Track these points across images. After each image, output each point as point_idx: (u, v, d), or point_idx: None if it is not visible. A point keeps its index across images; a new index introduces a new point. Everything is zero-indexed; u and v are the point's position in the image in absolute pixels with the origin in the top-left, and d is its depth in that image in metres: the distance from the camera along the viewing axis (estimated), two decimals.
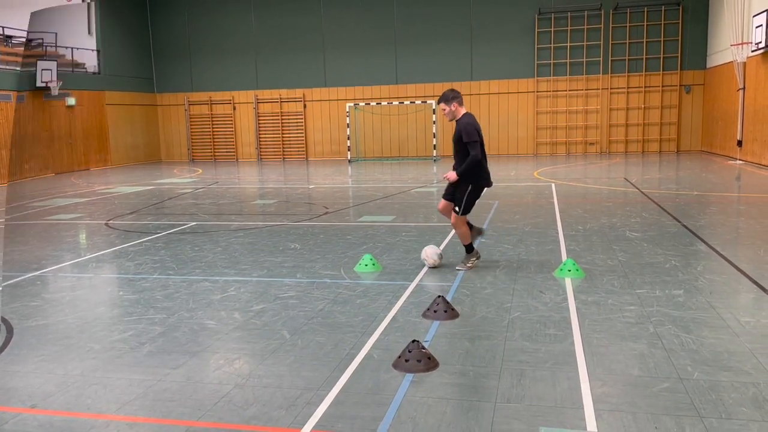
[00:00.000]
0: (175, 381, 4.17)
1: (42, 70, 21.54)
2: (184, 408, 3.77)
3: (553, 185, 14.77)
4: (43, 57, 22.86)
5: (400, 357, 4.28)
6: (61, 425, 3.61)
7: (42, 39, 24.66)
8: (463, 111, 6.64)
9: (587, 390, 3.85)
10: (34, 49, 24.19)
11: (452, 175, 6.60)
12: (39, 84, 21.48)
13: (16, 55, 22.53)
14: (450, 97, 6.53)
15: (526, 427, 3.44)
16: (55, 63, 22.29)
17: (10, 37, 24.50)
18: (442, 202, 6.99)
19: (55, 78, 21.95)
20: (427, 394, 3.87)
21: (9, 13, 25.22)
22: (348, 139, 25.84)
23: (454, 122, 6.74)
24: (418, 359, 4.20)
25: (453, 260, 7.25)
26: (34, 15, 24.95)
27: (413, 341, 4.31)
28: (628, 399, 3.73)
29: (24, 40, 23.98)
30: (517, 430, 3.42)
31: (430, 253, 6.94)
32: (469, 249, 6.93)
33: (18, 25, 24.67)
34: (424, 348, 4.30)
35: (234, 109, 28.43)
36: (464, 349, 4.57)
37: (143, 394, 3.97)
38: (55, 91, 22.03)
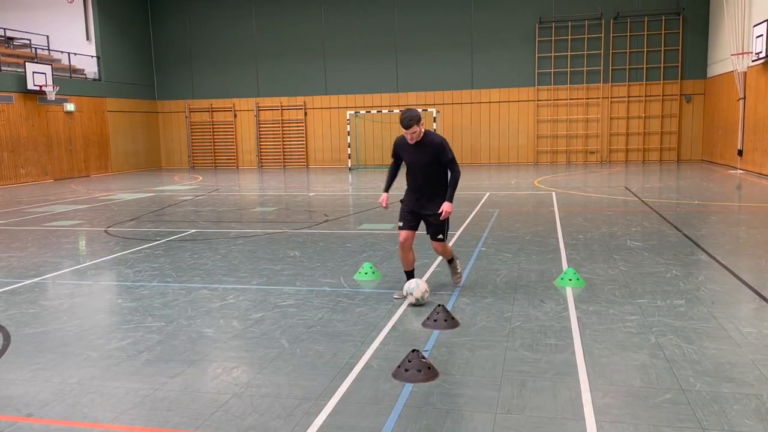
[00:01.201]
0: (172, 390, 4.13)
1: (34, 73, 21.50)
2: (182, 417, 3.74)
3: (553, 194, 14.76)
4: (34, 60, 22.84)
5: (399, 366, 4.25)
6: None
7: (29, 40, 24.70)
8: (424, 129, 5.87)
9: (588, 401, 3.82)
10: (18, 49, 24.19)
11: (449, 207, 5.92)
12: (31, 87, 21.43)
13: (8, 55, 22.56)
14: (418, 116, 5.73)
15: None
16: (50, 67, 22.28)
17: (11, 38, 24.59)
18: (405, 233, 6.04)
19: (50, 82, 21.93)
20: (426, 404, 3.84)
21: (10, 15, 25.37)
22: (348, 146, 25.87)
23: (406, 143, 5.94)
24: (417, 369, 4.17)
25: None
26: (22, 16, 25.05)
27: (413, 351, 4.28)
28: (630, 410, 3.69)
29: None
30: None
31: (414, 286, 5.87)
32: (452, 260, 6.45)
33: (17, 27, 24.81)
34: (424, 357, 4.26)
35: (235, 116, 28.47)
36: (464, 359, 4.54)
37: (140, 403, 3.94)
38: (51, 96, 22.01)
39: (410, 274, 6.23)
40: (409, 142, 5.86)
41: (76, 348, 4.99)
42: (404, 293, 5.94)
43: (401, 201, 6.18)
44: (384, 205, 6.16)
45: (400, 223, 6.12)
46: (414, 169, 6.02)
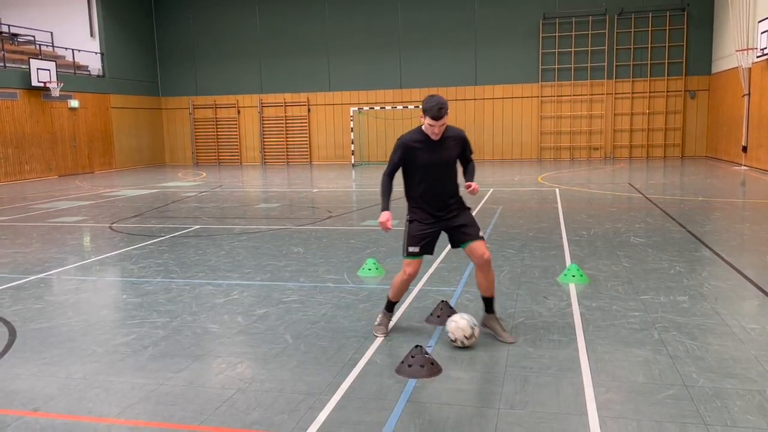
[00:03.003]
0: (177, 385, 4.16)
1: (38, 69, 21.52)
2: (186, 412, 3.76)
3: (557, 190, 14.75)
4: (38, 56, 22.87)
5: (403, 362, 4.26)
6: (63, 428, 3.60)
7: (33, 37, 24.74)
8: None
9: (591, 396, 3.83)
10: (22, 45, 24.23)
11: (476, 186, 4.73)
12: (35, 83, 21.44)
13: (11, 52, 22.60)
14: (447, 104, 4.55)
15: None
16: (54, 63, 22.30)
17: (16, 35, 24.65)
18: (419, 263, 4.75)
19: (54, 79, 21.95)
20: (430, 399, 3.86)
21: (15, 12, 25.45)
22: (352, 143, 25.87)
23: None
24: (421, 365, 4.18)
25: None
26: (26, 12, 25.14)
27: (416, 346, 4.29)
28: (633, 406, 3.71)
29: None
30: None
31: (462, 326, 4.62)
32: (490, 307, 4.94)
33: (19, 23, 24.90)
34: (427, 353, 4.28)
35: (238, 113, 28.49)
36: (467, 355, 4.55)
37: (145, 398, 3.96)
38: (55, 93, 22.03)
39: (394, 306, 5.08)
40: (434, 137, 4.57)
41: (81, 343, 5.02)
42: (453, 336, 4.62)
43: (410, 221, 4.78)
44: (389, 228, 4.73)
45: (414, 249, 4.68)
46: (434, 172, 4.65)
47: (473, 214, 4.94)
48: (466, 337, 4.58)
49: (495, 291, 4.91)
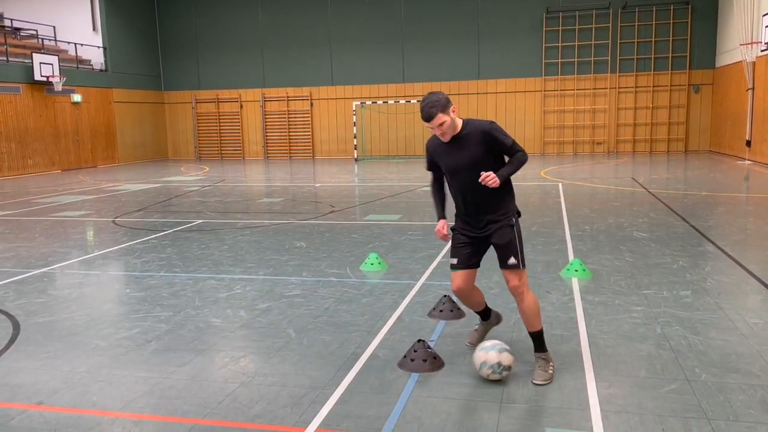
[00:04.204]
0: (180, 379, 4.17)
1: (40, 63, 21.52)
2: (190, 406, 3.77)
3: (560, 185, 14.73)
4: (41, 50, 22.87)
5: (405, 356, 4.27)
6: (67, 422, 3.61)
7: (36, 31, 24.75)
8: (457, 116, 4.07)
9: (593, 391, 3.84)
10: (25, 40, 24.23)
11: (495, 179, 3.90)
12: (38, 78, 21.43)
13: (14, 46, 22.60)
14: (442, 101, 3.93)
15: (531, 427, 3.43)
16: (56, 58, 22.31)
17: (18, 29, 24.66)
18: (461, 277, 4.24)
19: (57, 73, 21.96)
20: (432, 394, 3.86)
21: (17, 6, 25.44)
22: (354, 137, 25.85)
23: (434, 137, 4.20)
24: (423, 359, 4.19)
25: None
26: (29, 6, 25.15)
27: (419, 341, 4.30)
28: (635, 400, 3.71)
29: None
30: (522, 430, 3.40)
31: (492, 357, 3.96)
32: (540, 335, 4.19)
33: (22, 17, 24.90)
34: (429, 348, 4.28)
35: (241, 107, 28.47)
36: (470, 350, 4.55)
37: (149, 392, 3.98)
38: (58, 87, 22.05)
39: (486, 313, 4.63)
40: (443, 139, 4.07)
41: (85, 337, 5.03)
42: (479, 366, 4.00)
43: (453, 229, 4.33)
44: (444, 235, 4.30)
45: (454, 260, 4.26)
46: (458, 178, 4.12)
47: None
48: (499, 360, 3.93)
49: (540, 323, 4.16)
